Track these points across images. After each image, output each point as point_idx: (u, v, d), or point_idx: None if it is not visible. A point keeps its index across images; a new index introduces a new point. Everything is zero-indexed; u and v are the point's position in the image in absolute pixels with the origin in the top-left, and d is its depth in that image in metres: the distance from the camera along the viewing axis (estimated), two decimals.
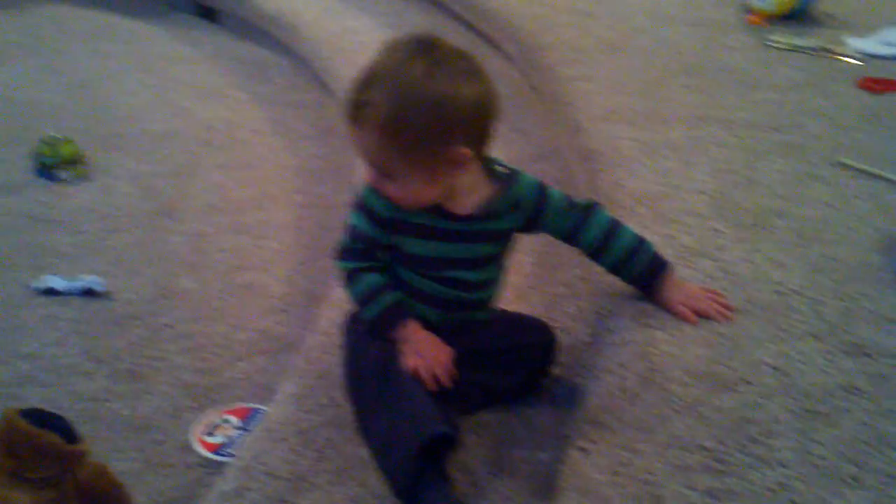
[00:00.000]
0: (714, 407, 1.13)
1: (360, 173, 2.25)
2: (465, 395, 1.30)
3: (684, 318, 1.30)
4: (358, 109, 1.17)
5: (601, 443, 1.11)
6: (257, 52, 3.59)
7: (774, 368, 1.20)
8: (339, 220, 2.22)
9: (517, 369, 1.38)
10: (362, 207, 1.27)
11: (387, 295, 1.28)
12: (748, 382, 1.17)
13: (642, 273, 1.35)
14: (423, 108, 1.14)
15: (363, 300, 1.30)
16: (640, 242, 1.35)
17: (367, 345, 1.30)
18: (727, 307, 1.32)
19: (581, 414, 1.20)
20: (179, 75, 3.39)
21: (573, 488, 1.05)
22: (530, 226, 1.32)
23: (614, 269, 1.36)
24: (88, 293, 1.97)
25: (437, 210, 1.25)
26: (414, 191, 1.21)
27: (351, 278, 1.30)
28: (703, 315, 1.31)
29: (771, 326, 1.29)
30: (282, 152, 2.73)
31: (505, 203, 1.27)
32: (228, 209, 2.37)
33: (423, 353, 1.25)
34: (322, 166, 2.63)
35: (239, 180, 2.54)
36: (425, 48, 1.17)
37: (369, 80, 1.17)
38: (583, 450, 1.11)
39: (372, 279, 1.29)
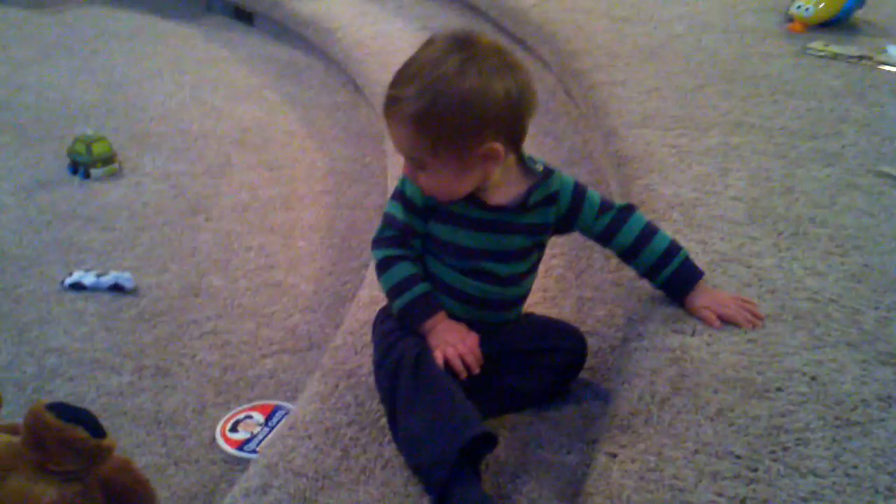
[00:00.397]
0: (745, 414, 1.11)
1: (399, 165, 2.26)
2: (492, 398, 1.29)
3: (708, 322, 1.28)
4: (392, 104, 1.18)
5: (630, 448, 1.08)
6: (291, 55, 3.61)
7: (808, 376, 1.17)
8: (369, 221, 2.25)
9: (545, 373, 1.36)
10: (399, 196, 1.28)
11: (418, 286, 1.28)
12: (780, 390, 1.14)
13: (673, 278, 1.33)
14: (453, 104, 1.14)
15: (394, 289, 1.29)
16: (675, 247, 1.33)
17: (402, 340, 1.29)
18: (757, 315, 1.29)
19: (610, 418, 1.18)
20: (214, 76, 3.42)
21: (600, 493, 1.03)
22: (564, 224, 1.31)
23: (646, 273, 1.35)
24: (117, 289, 1.98)
25: (472, 199, 1.25)
26: (445, 183, 1.22)
27: (384, 266, 1.29)
28: (729, 321, 1.29)
29: (805, 334, 1.26)
30: (313, 153, 2.73)
31: (539, 196, 1.27)
32: (258, 208, 2.38)
33: (450, 339, 1.24)
34: (353, 168, 2.62)
35: (270, 180, 2.55)
36: (461, 44, 1.17)
37: (405, 76, 1.18)
38: (611, 454, 1.09)
39: (404, 268, 1.28)
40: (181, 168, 2.63)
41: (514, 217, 1.27)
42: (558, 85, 2.63)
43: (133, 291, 1.99)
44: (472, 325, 1.29)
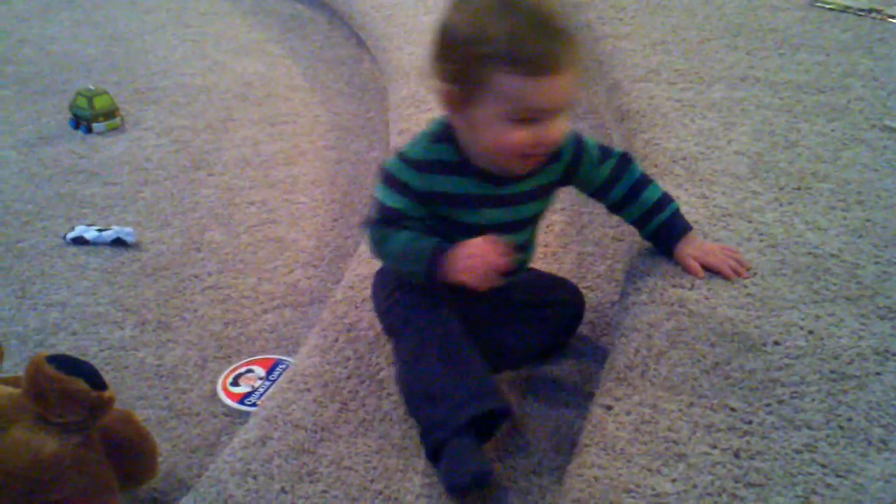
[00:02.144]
0: (742, 367, 1.11)
1: (403, 119, 2.24)
2: (491, 355, 1.28)
3: (692, 271, 1.29)
4: (560, 55, 1.08)
5: (625, 400, 1.09)
6: (294, 8, 3.58)
7: (805, 330, 1.17)
8: (372, 176, 2.23)
9: (544, 328, 1.36)
10: (394, 182, 1.21)
11: (424, 241, 1.19)
12: (778, 344, 1.14)
13: (662, 229, 1.33)
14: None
15: (401, 256, 1.21)
16: (667, 199, 1.33)
17: (424, 307, 1.25)
18: (742, 264, 1.30)
19: (606, 372, 1.18)
20: (216, 30, 3.39)
21: (595, 444, 1.03)
22: (566, 178, 1.29)
23: (635, 222, 1.35)
24: (119, 243, 1.98)
25: (483, 175, 1.21)
26: (566, 126, 1.17)
27: (381, 241, 1.22)
28: (714, 270, 1.29)
29: (804, 288, 1.26)
30: (316, 108, 2.72)
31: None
32: (260, 163, 2.37)
33: (465, 261, 1.15)
34: (356, 123, 2.61)
35: (272, 135, 2.53)
36: None
37: (549, 25, 1.08)
38: (607, 407, 1.09)
39: (404, 234, 1.20)
40: (183, 123, 2.62)
41: (524, 184, 1.24)
42: None
43: (135, 246, 1.99)
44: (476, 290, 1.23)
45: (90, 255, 1.96)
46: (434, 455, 1.16)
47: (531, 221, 1.30)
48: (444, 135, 1.20)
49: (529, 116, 1.10)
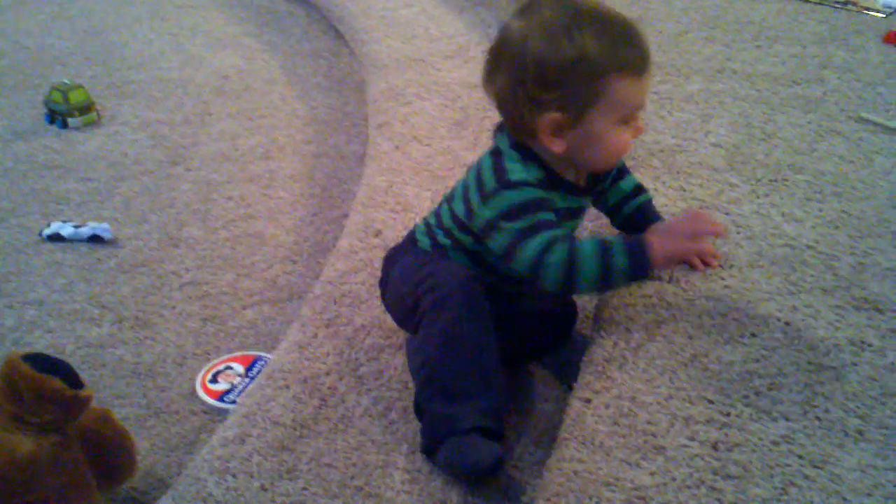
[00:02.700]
0: (719, 360, 1.11)
1: (385, 112, 2.23)
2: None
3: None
4: (649, 50, 1.15)
5: (604, 393, 1.09)
6: (272, 1, 3.55)
7: (782, 322, 1.17)
8: (350, 170, 2.23)
9: (546, 331, 1.38)
10: (531, 205, 1.15)
11: (609, 238, 1.18)
12: (755, 336, 1.15)
13: (637, 214, 1.34)
14: None
15: (603, 258, 1.14)
16: (642, 187, 1.35)
17: (470, 296, 1.19)
18: (713, 255, 1.30)
19: (585, 365, 1.18)
20: (193, 23, 3.36)
21: (574, 437, 1.03)
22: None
23: (611, 209, 1.36)
24: (95, 240, 1.96)
25: (571, 188, 1.22)
26: None
27: (573, 256, 1.13)
28: (683, 262, 1.30)
29: (781, 280, 1.26)
30: (294, 101, 2.70)
31: None
32: (238, 158, 2.35)
33: (689, 233, 1.21)
34: (334, 116, 2.60)
35: (250, 129, 2.52)
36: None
37: (631, 29, 1.14)
38: (585, 400, 1.09)
39: (586, 241, 1.16)
40: (160, 117, 2.60)
41: (590, 195, 1.29)
42: None
43: (112, 242, 1.97)
44: (495, 291, 1.23)
45: (66, 251, 1.94)
46: (433, 445, 1.16)
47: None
48: (526, 155, 1.18)
49: (634, 115, 1.16)
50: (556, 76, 1.11)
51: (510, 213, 1.15)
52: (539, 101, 1.12)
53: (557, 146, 1.15)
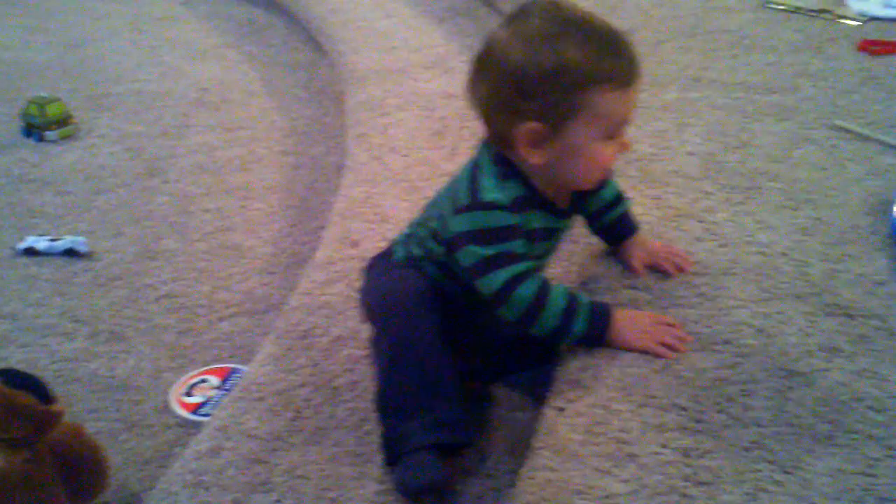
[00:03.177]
0: (692, 367, 1.11)
1: (367, 124, 2.23)
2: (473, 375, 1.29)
3: (635, 270, 1.30)
4: (636, 62, 1.12)
5: (578, 402, 1.09)
6: (251, 13, 3.56)
7: (755, 329, 1.18)
8: (328, 181, 2.22)
9: (517, 348, 1.35)
10: (502, 233, 1.13)
11: (580, 297, 1.16)
12: (728, 342, 1.15)
13: (612, 224, 1.34)
14: None
15: (567, 314, 1.14)
16: (622, 195, 1.34)
17: (417, 309, 1.18)
18: (686, 261, 1.31)
19: (559, 374, 1.18)
20: (172, 35, 3.36)
21: (547, 447, 1.03)
22: None
23: (591, 217, 1.35)
24: (71, 253, 1.95)
25: (550, 207, 1.19)
26: None
27: (542, 295, 1.13)
28: (657, 269, 1.30)
29: (754, 287, 1.27)
30: (273, 113, 2.70)
31: None
32: (216, 170, 2.35)
33: (649, 329, 1.16)
34: (313, 127, 2.60)
35: (228, 141, 2.51)
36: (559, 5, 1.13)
37: (617, 39, 1.11)
38: (559, 409, 1.09)
39: (559, 289, 1.15)
40: (138, 129, 2.59)
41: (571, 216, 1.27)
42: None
43: (88, 256, 1.96)
44: (469, 304, 1.22)
45: (41, 265, 1.93)
46: (392, 460, 1.15)
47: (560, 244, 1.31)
48: (507, 171, 1.15)
49: (619, 129, 1.13)
50: (536, 85, 1.08)
51: (478, 237, 1.12)
52: (518, 110, 1.10)
53: (536, 158, 1.11)
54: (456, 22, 2.97)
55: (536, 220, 1.17)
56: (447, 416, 1.14)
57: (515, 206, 1.13)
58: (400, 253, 1.29)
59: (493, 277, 1.12)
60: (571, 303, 1.14)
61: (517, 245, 1.13)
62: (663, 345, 1.14)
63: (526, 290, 1.12)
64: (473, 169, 1.17)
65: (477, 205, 1.13)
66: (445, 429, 1.13)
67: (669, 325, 1.17)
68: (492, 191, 1.13)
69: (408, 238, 1.30)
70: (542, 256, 1.26)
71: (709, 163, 1.64)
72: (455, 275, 1.20)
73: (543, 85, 1.08)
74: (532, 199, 1.16)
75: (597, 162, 1.14)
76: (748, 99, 1.92)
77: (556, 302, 1.13)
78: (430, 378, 1.14)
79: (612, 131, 1.12)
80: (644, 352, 1.14)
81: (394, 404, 1.16)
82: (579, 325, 1.14)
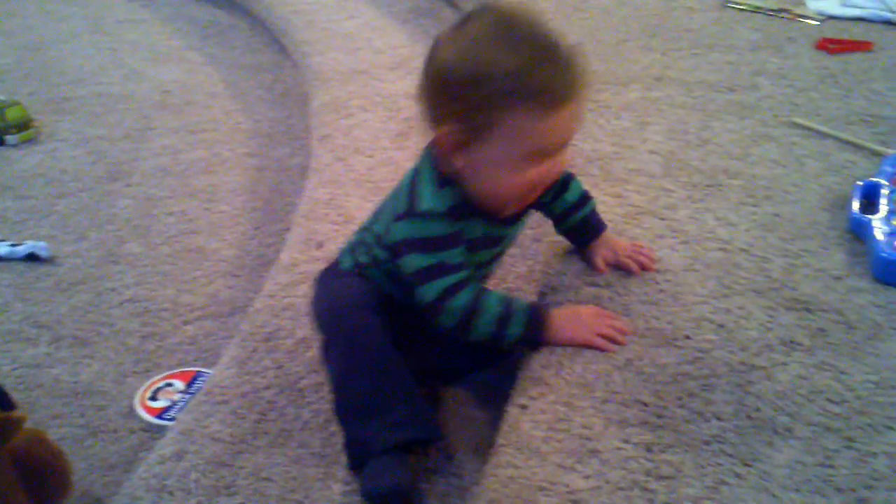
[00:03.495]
0: (654, 362, 1.12)
1: (330, 125, 2.23)
2: (430, 376, 1.29)
3: (597, 269, 1.31)
4: (572, 83, 1.03)
5: (540, 399, 1.09)
6: (214, 14, 3.54)
7: (716, 324, 1.19)
8: (293, 183, 2.22)
9: (474, 359, 1.35)
10: (439, 242, 1.12)
11: (515, 302, 1.16)
12: (689, 338, 1.16)
13: (577, 226, 1.35)
14: None
15: (502, 321, 1.14)
16: (587, 196, 1.34)
17: (362, 314, 1.18)
18: (650, 259, 1.32)
19: (523, 372, 1.18)
20: (134, 37, 3.34)
21: (511, 444, 1.04)
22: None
23: (556, 218, 1.36)
24: (32, 258, 1.93)
25: (488, 214, 1.17)
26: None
27: (477, 305, 1.12)
28: (621, 268, 1.31)
29: (715, 283, 1.28)
30: (237, 115, 2.69)
31: None
32: (180, 173, 2.33)
33: (587, 322, 1.17)
34: (277, 129, 2.59)
35: (192, 143, 2.50)
36: (513, 16, 1.07)
37: (555, 53, 1.03)
38: (522, 406, 1.10)
39: (494, 296, 1.14)
40: (100, 133, 2.56)
41: (520, 222, 1.25)
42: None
43: (49, 260, 1.94)
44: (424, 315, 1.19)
45: (2, 271, 1.91)
46: (357, 465, 1.15)
47: (508, 250, 1.30)
48: (444, 179, 1.13)
49: (549, 153, 1.07)
50: (457, 88, 1.04)
51: (415, 245, 1.12)
52: (441, 110, 1.07)
53: (458, 162, 1.09)
54: (420, 23, 2.97)
55: (477, 229, 1.16)
56: (406, 415, 1.14)
57: (452, 215, 1.12)
58: (347, 263, 1.29)
59: (428, 288, 1.12)
60: (506, 308, 1.14)
61: (454, 255, 1.12)
62: (603, 336, 1.15)
63: (460, 300, 1.12)
64: (414, 175, 1.16)
65: (414, 213, 1.12)
66: (406, 427, 1.13)
67: (610, 317, 1.18)
68: (429, 199, 1.12)
69: (354, 246, 1.30)
70: (489, 263, 1.27)
71: (670, 161, 1.65)
72: (401, 280, 1.18)
73: (464, 89, 1.03)
74: (469, 206, 1.13)
75: (509, 185, 1.09)
76: (708, 97, 1.94)
77: (490, 310, 1.13)
78: (384, 380, 1.14)
79: (532, 156, 1.06)
80: (585, 346, 1.15)
81: (352, 410, 1.16)
82: (515, 330, 1.14)
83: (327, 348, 1.21)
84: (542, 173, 1.09)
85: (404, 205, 1.14)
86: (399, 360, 1.16)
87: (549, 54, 1.02)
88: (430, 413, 1.18)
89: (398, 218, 1.14)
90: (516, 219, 1.23)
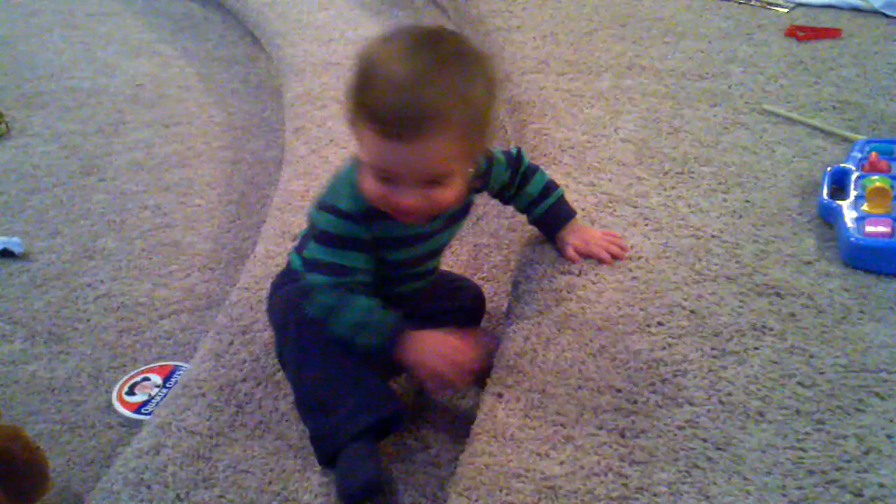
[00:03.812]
0: (627, 349, 1.14)
1: (304, 117, 2.23)
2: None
3: (568, 257, 1.33)
4: (415, 126, 1.01)
5: (515, 387, 1.11)
6: (188, 7, 3.50)
7: (688, 310, 1.21)
8: (268, 175, 2.21)
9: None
10: (339, 241, 1.15)
11: (384, 314, 1.15)
12: (661, 324, 1.18)
13: (546, 215, 1.36)
14: (486, 102, 1.07)
15: (359, 325, 1.14)
16: (551, 186, 1.36)
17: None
18: (621, 248, 1.34)
19: (497, 360, 1.19)
20: (106, 31, 3.30)
21: (486, 432, 1.05)
22: (480, 188, 1.29)
23: (524, 210, 1.38)
24: (5, 254, 1.91)
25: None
26: (460, 189, 1.11)
27: (336, 308, 1.14)
28: (591, 256, 1.33)
29: (687, 270, 1.30)
30: (211, 108, 2.67)
31: (477, 184, 1.24)
32: (154, 167, 2.32)
33: (440, 352, 1.13)
34: (251, 122, 2.57)
35: (165, 137, 2.48)
36: (436, 40, 1.07)
37: (414, 91, 1.01)
38: (497, 395, 1.11)
39: (362, 302, 1.14)
40: (73, 127, 2.54)
41: (457, 213, 1.24)
42: (456, 31, 2.61)
43: (23, 256, 1.93)
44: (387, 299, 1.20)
45: None
46: (326, 460, 1.16)
47: (447, 245, 1.31)
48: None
49: (386, 175, 1.07)
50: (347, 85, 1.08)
51: (317, 237, 1.16)
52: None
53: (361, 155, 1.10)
54: (392, 13, 2.97)
55: (395, 228, 1.16)
56: (366, 398, 1.14)
57: (357, 219, 1.13)
58: (296, 262, 1.31)
59: (312, 277, 1.17)
60: (366, 317, 1.13)
61: (350, 258, 1.14)
62: (444, 374, 1.12)
63: (327, 297, 1.14)
64: (345, 170, 1.18)
65: (323, 205, 1.16)
66: (370, 410, 1.13)
67: (464, 354, 1.13)
68: (340, 197, 1.15)
69: (301, 242, 1.32)
70: (426, 258, 1.27)
71: (642, 149, 1.67)
72: None
73: (348, 88, 1.07)
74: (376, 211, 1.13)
75: (366, 191, 1.10)
76: (679, 85, 1.96)
77: (348, 315, 1.13)
78: (339, 369, 1.15)
79: (378, 172, 1.07)
80: (429, 375, 1.13)
81: (311, 405, 1.18)
82: (369, 339, 1.14)
83: (281, 351, 1.26)
84: (384, 194, 1.08)
85: (322, 194, 1.19)
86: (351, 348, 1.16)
87: (405, 88, 1.01)
88: (387, 391, 1.17)
89: (314, 204, 1.19)
90: (443, 217, 1.21)
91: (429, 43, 1.06)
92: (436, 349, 1.12)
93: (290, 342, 1.22)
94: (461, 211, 1.25)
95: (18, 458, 1.26)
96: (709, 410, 1.05)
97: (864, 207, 1.37)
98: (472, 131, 1.06)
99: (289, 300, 1.25)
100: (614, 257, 1.32)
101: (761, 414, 1.04)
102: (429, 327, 1.26)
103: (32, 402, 1.53)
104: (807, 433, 1.02)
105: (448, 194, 1.09)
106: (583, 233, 1.36)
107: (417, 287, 1.31)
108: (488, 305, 1.47)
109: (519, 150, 1.36)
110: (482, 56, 1.09)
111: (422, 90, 1.01)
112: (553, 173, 1.45)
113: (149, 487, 1.14)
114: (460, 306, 1.39)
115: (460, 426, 1.25)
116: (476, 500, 0.96)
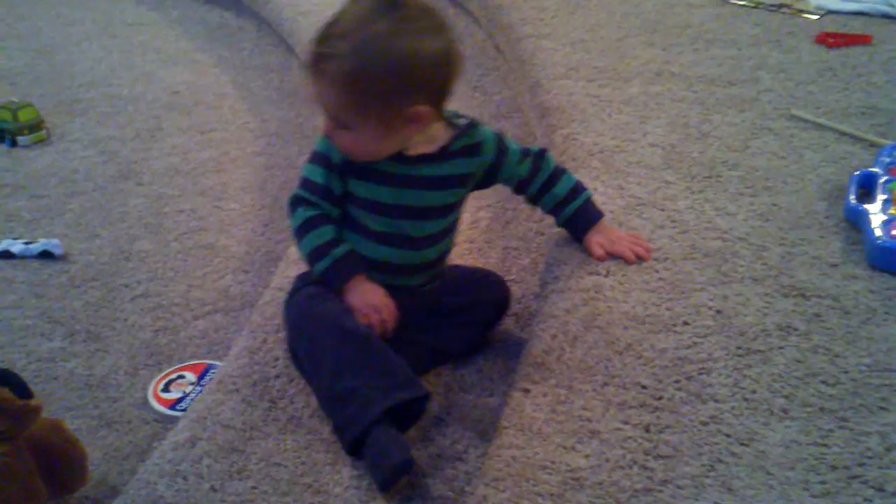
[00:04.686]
0: (653, 347, 1.16)
1: (318, 123, 2.27)
2: (417, 358, 1.29)
3: (596, 257, 1.35)
4: (319, 61, 1.16)
5: (542, 384, 1.13)
6: (223, 16, 3.57)
7: (714, 310, 1.22)
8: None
9: (471, 327, 1.39)
10: (318, 157, 1.27)
11: (339, 247, 1.26)
12: (687, 324, 1.19)
13: (574, 217, 1.38)
14: (386, 66, 1.13)
15: (314, 252, 1.26)
16: (580, 188, 1.39)
17: (323, 301, 1.27)
18: (646, 249, 1.36)
19: (525, 357, 1.22)
20: (144, 40, 3.37)
21: (513, 426, 1.07)
22: (489, 177, 1.34)
23: (551, 212, 1.40)
24: (46, 256, 1.96)
25: (395, 154, 1.24)
26: (367, 144, 1.21)
27: (303, 229, 1.26)
28: (618, 256, 1.35)
29: (713, 271, 1.31)
30: (245, 115, 2.72)
31: (460, 145, 1.27)
32: (190, 171, 2.37)
33: (368, 298, 1.24)
34: (285, 129, 2.62)
35: (201, 143, 2.53)
36: (391, 2, 1.14)
37: (333, 33, 1.15)
38: (525, 390, 1.13)
39: (325, 230, 1.26)
40: (111, 133, 2.60)
41: (434, 168, 1.26)
42: (487, 39, 2.64)
43: (63, 258, 1.98)
44: (393, 290, 1.27)
45: (17, 268, 1.94)
46: (353, 450, 1.18)
47: (441, 212, 1.31)
48: None
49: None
50: None
51: (311, 155, 1.30)
52: None
53: None
54: None
55: (388, 165, 1.24)
56: (386, 381, 1.16)
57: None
58: None
59: (298, 191, 1.29)
60: (324, 248, 1.25)
61: (319, 174, 1.26)
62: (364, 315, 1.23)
63: (304, 213, 1.26)
64: None
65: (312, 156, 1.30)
66: (390, 392, 1.15)
67: (379, 311, 1.23)
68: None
69: None
70: (408, 212, 1.28)
71: (670, 153, 1.68)
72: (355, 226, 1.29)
73: None
74: None
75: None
76: (708, 91, 1.97)
77: (312, 238, 1.26)
78: (359, 355, 1.19)
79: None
80: (355, 313, 1.23)
81: (333, 394, 1.20)
82: (323, 267, 1.26)
83: (295, 349, 1.33)
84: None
85: None
86: (365, 330, 1.21)
87: (327, 26, 1.16)
88: (407, 374, 1.19)
89: None
90: (427, 162, 1.26)
91: (389, 6, 1.14)
92: (365, 297, 1.24)
93: (305, 338, 1.26)
94: (454, 178, 1.28)
95: (59, 450, 1.30)
96: (733, 407, 1.06)
97: (892, 211, 1.37)
98: (366, 89, 1.14)
99: (302, 299, 1.31)
100: (639, 258, 1.34)
101: (785, 411, 1.05)
102: (455, 321, 1.34)
103: (71, 398, 1.57)
104: (830, 430, 1.03)
105: (348, 141, 1.21)
106: (609, 233, 1.37)
107: (422, 283, 1.34)
108: (516, 307, 1.49)
109: (543, 151, 1.38)
110: (436, 32, 1.17)
111: (341, 37, 1.14)
112: (582, 177, 1.47)
113: (185, 478, 1.17)
114: (484, 299, 1.41)
115: (487, 424, 1.27)
116: (503, 491, 0.98)
